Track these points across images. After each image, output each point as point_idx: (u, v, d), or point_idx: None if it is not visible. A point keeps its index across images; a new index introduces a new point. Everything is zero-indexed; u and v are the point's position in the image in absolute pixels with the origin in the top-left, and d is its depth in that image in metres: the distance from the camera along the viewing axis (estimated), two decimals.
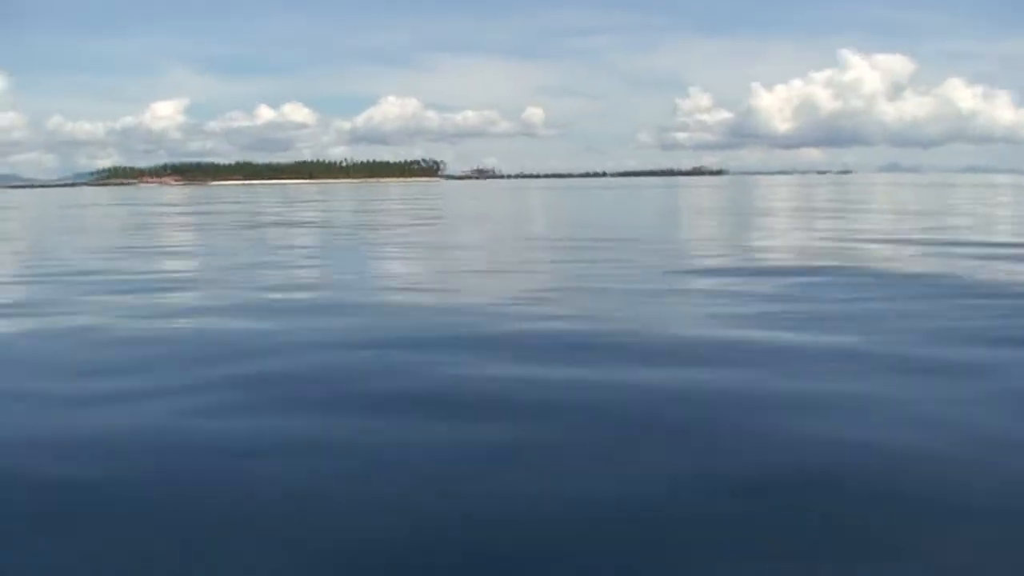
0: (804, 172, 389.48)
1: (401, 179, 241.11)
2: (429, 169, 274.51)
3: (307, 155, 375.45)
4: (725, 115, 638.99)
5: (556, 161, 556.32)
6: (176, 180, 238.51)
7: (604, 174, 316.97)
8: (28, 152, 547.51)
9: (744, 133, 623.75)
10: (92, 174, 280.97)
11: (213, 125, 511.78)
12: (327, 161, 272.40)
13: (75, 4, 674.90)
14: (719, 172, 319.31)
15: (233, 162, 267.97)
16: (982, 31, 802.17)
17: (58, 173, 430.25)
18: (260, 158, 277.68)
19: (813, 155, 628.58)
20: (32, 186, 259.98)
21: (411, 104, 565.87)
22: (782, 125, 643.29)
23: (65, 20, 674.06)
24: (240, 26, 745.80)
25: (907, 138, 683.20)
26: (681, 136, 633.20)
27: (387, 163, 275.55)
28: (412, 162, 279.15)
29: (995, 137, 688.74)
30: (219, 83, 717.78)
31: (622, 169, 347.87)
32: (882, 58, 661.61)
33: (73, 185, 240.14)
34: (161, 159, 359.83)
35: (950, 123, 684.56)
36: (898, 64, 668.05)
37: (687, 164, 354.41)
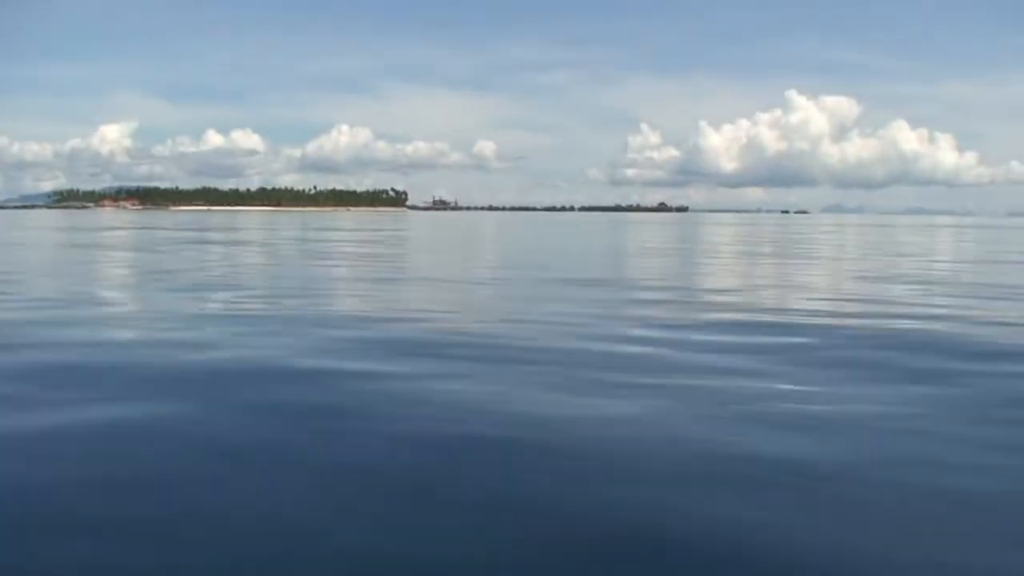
0: (763, 211, 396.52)
1: (370, 208, 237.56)
2: (397, 199, 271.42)
3: (256, 182, 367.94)
4: (673, 153, 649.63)
5: (506, 195, 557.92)
6: (134, 204, 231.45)
7: (571, 208, 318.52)
8: None
9: (691, 171, 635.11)
10: (49, 196, 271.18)
11: (161, 149, 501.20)
12: (295, 188, 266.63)
13: (23, 27, 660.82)
14: (683, 209, 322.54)
15: (196, 187, 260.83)
16: (926, 74, 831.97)
17: (2, 195, 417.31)
18: (208, 183, 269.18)
19: (757, 194, 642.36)
20: None
21: (363, 133, 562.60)
22: (728, 164, 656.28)
23: (12, 42, 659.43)
24: (190, 51, 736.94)
25: (851, 179, 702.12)
26: (630, 172, 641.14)
27: (355, 192, 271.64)
28: (380, 191, 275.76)
29: (937, 180, 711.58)
30: (168, 107, 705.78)
31: (571, 203, 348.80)
32: (829, 100, 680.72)
33: (26, 207, 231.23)
34: (107, 182, 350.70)
35: (894, 165, 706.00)
36: (844, 106, 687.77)
37: (636, 200, 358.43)
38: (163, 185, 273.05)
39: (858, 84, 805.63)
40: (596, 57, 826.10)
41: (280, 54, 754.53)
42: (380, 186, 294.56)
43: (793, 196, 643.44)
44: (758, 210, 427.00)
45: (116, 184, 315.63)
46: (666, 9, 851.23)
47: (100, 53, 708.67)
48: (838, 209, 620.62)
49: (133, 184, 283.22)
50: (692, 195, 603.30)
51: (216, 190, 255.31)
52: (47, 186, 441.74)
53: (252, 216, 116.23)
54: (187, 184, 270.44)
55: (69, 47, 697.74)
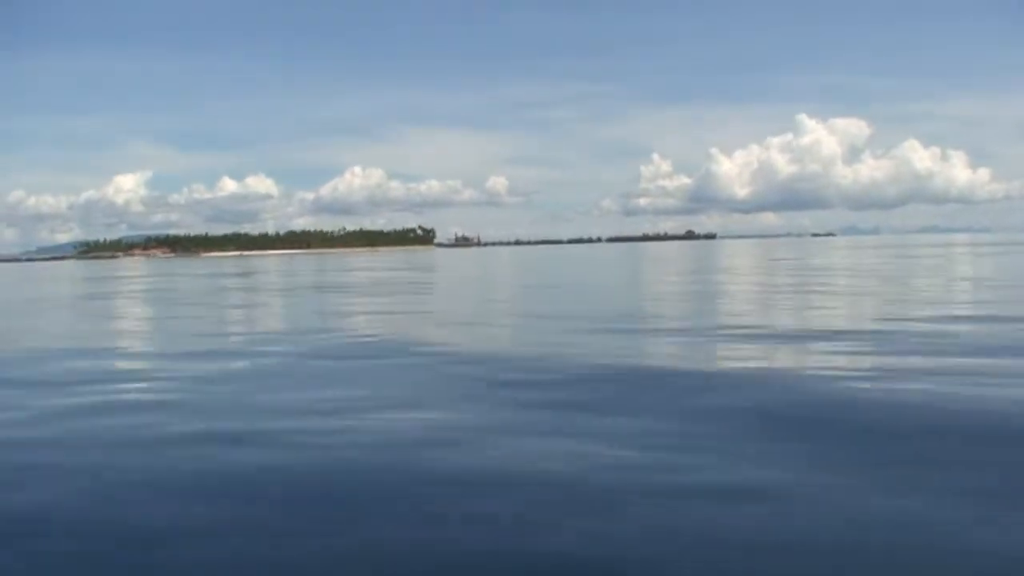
0: (792, 235, 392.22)
1: (399, 247, 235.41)
2: (424, 238, 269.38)
3: (271, 226, 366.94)
4: (685, 181, 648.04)
5: (521, 229, 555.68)
6: (165, 252, 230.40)
7: (598, 240, 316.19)
8: None
9: (704, 198, 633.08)
10: (74, 246, 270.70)
11: (176, 197, 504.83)
12: (325, 231, 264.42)
13: (32, 80, 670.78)
14: (711, 236, 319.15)
15: (219, 232, 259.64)
16: (935, 92, 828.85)
17: (20, 248, 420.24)
18: (225, 229, 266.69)
19: (771, 219, 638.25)
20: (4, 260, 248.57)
21: (375, 174, 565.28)
22: (741, 190, 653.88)
23: (24, 96, 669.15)
24: (199, 99, 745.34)
25: (865, 200, 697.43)
26: (643, 202, 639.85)
27: (382, 232, 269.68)
28: (407, 230, 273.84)
29: (951, 197, 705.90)
30: (181, 156, 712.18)
31: (587, 235, 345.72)
32: (839, 122, 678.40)
33: (52, 259, 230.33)
34: (123, 232, 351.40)
35: (908, 184, 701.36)
36: (855, 127, 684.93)
37: (649, 229, 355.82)
38: (179, 232, 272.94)
39: (868, 105, 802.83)
40: (602, 91, 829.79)
41: (289, 100, 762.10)
42: (394, 225, 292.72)
43: (807, 219, 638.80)
44: (787, 234, 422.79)
45: (133, 233, 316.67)
46: (669, 40, 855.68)
47: (110, 105, 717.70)
48: (853, 231, 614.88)
49: (149, 233, 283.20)
50: (706, 222, 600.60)
51: (246, 235, 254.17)
52: (63, 238, 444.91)
53: (297, 260, 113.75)
54: (203, 230, 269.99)
55: (78, 100, 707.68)
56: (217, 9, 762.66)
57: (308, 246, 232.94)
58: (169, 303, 26.58)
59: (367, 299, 25.89)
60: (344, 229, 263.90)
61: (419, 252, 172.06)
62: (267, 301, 26.56)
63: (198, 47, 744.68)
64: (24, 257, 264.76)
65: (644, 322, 15.82)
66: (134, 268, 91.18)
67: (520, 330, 15.27)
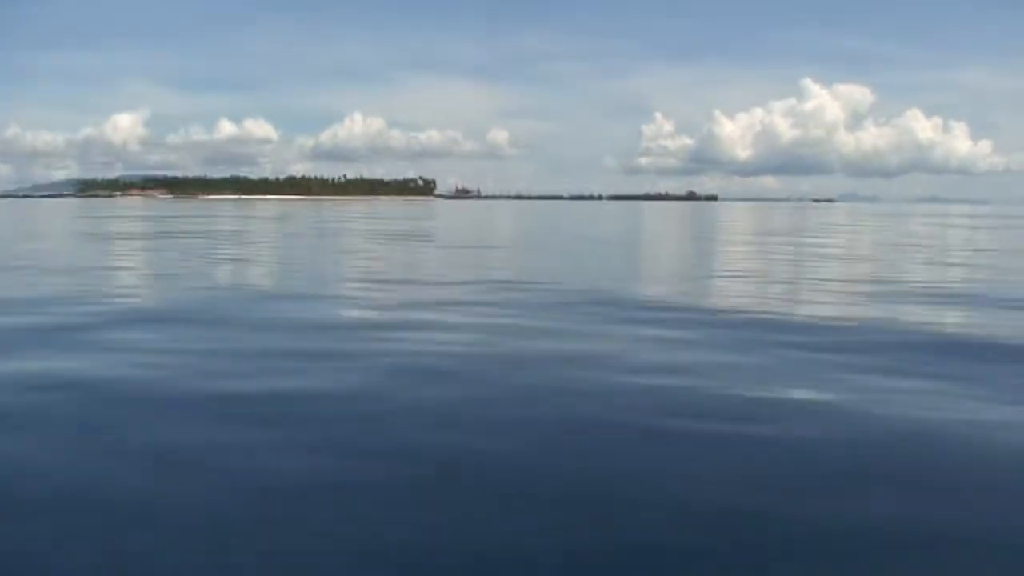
0: (793, 200, 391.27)
1: (400, 197, 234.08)
2: (425, 188, 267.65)
3: (269, 171, 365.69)
4: (687, 141, 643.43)
5: (521, 183, 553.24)
6: (163, 194, 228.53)
7: (599, 197, 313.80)
8: None
9: (705, 159, 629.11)
10: (72, 184, 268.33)
11: (173, 138, 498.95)
12: (325, 178, 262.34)
13: (34, 16, 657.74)
14: (712, 197, 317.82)
15: (226, 176, 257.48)
16: (940, 62, 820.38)
17: (14, 184, 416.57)
18: (221, 172, 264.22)
19: (770, 183, 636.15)
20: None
21: (376, 123, 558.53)
22: (742, 152, 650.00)
23: (23, 32, 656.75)
24: (202, 40, 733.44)
25: (866, 168, 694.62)
26: (644, 161, 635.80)
27: (384, 181, 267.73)
28: (408, 180, 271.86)
29: (951, 168, 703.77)
30: (180, 97, 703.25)
31: (587, 192, 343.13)
32: (843, 88, 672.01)
33: (49, 197, 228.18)
34: (120, 171, 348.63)
35: (909, 154, 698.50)
36: (858, 94, 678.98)
37: (649, 189, 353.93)
38: (176, 174, 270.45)
39: (872, 72, 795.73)
40: (608, 46, 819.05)
41: (291, 43, 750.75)
42: (393, 174, 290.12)
43: (807, 184, 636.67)
44: (787, 199, 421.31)
45: (129, 173, 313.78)
46: None
47: (110, 42, 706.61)
48: (853, 197, 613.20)
49: (145, 173, 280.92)
50: (706, 183, 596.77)
51: (246, 179, 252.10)
52: (59, 175, 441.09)
53: (305, 206, 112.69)
54: (199, 172, 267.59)
55: (79, 36, 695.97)
56: None
57: (308, 192, 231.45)
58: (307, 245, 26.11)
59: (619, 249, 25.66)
60: (345, 177, 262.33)
61: (421, 203, 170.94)
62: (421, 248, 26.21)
63: None
64: (20, 193, 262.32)
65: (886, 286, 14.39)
66: (151, 208, 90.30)
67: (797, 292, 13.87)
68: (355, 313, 10.61)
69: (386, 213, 70.90)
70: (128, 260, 19.39)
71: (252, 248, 23.65)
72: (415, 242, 27.64)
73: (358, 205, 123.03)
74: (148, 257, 20.14)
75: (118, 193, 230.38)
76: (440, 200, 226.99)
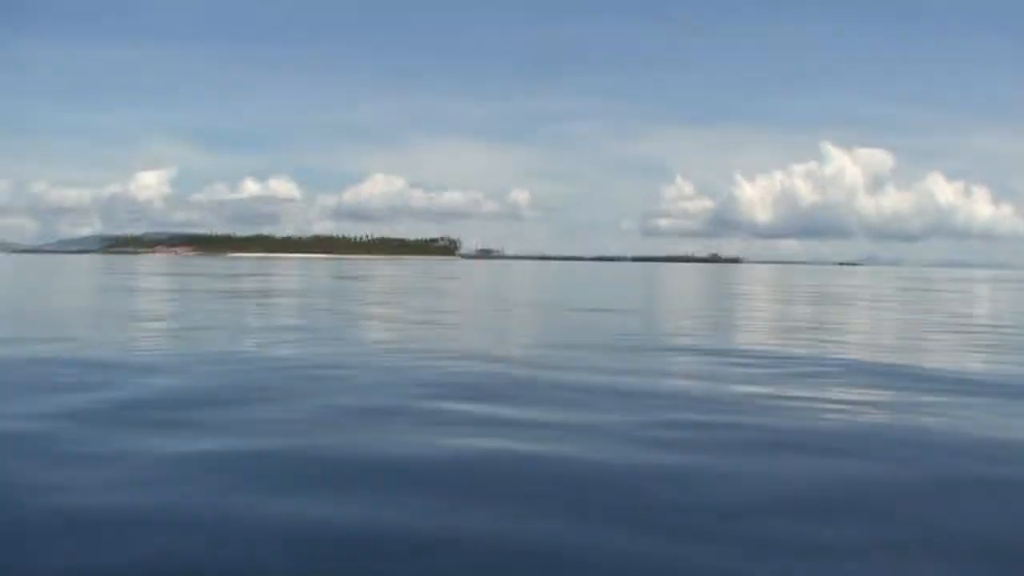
0: (818, 263, 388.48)
1: (423, 256, 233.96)
2: (449, 248, 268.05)
3: (292, 229, 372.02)
4: (707, 204, 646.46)
5: (540, 244, 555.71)
6: (188, 250, 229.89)
7: (622, 258, 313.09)
8: (8, 218, 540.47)
9: (725, 222, 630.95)
10: (99, 241, 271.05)
11: (198, 196, 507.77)
12: (350, 237, 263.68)
13: (61, 73, 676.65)
14: (735, 260, 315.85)
15: (254, 234, 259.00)
16: (960, 127, 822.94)
17: (40, 239, 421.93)
18: (245, 231, 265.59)
19: (791, 246, 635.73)
20: (24, 251, 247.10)
21: (397, 183, 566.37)
22: (762, 215, 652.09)
23: (50, 88, 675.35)
24: (227, 99, 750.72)
25: (886, 232, 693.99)
26: (663, 223, 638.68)
27: (407, 241, 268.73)
28: (432, 240, 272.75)
29: (973, 233, 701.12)
30: (204, 155, 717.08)
31: (606, 253, 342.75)
32: (863, 152, 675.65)
33: (75, 253, 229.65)
34: (144, 228, 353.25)
35: (930, 218, 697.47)
36: (879, 158, 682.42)
37: (670, 251, 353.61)
38: (200, 232, 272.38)
39: (893, 136, 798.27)
40: (629, 108, 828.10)
41: (315, 104, 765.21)
42: (414, 234, 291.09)
43: (827, 247, 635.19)
44: (810, 262, 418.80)
45: (153, 230, 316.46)
46: (699, 60, 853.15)
47: (136, 100, 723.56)
48: (874, 261, 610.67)
49: (169, 231, 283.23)
50: (725, 246, 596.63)
51: (272, 237, 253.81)
52: (84, 231, 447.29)
53: (335, 264, 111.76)
54: (223, 230, 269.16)
55: (106, 93, 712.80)
56: (248, 9, 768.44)
57: (333, 251, 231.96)
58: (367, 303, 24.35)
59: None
60: (370, 236, 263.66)
61: (446, 263, 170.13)
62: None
63: (227, 46, 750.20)
64: (47, 249, 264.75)
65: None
66: (189, 265, 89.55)
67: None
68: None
69: (434, 272, 69.44)
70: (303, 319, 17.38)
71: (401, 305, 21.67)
72: (534, 307, 25.17)
73: (389, 265, 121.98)
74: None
75: (144, 250, 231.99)
76: (464, 260, 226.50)
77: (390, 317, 19.36)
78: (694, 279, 62.71)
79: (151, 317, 18.00)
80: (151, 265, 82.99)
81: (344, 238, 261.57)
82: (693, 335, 15.47)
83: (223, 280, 41.13)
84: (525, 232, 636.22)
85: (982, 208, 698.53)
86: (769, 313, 23.49)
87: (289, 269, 73.28)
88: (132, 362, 9.73)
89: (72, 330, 13.83)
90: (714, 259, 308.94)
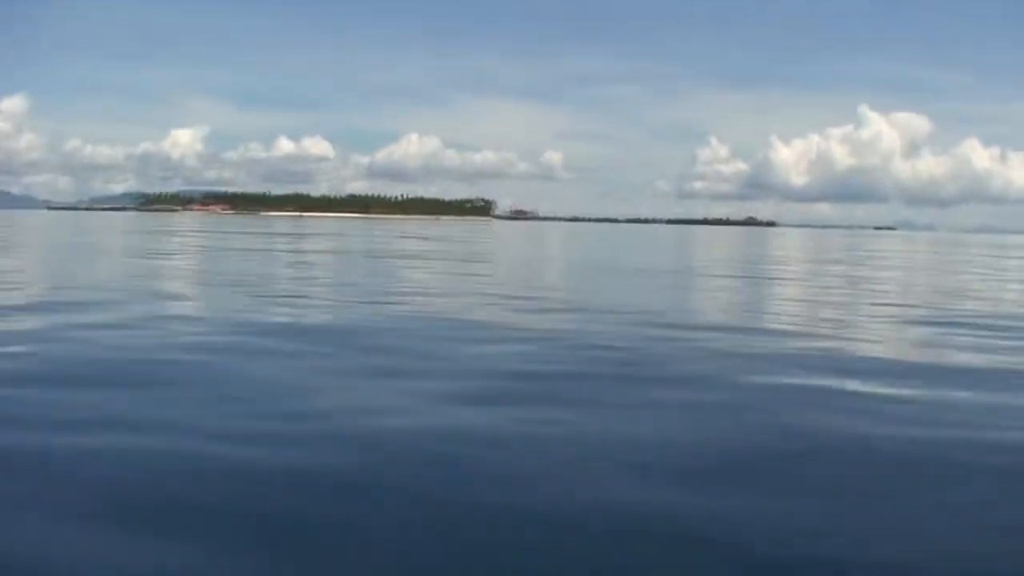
0: (855, 227, 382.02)
1: (459, 217, 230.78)
2: (483, 209, 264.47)
3: (325, 188, 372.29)
4: (742, 167, 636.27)
5: (572, 205, 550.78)
6: (225, 209, 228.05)
7: (656, 221, 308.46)
8: (43, 174, 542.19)
9: (759, 185, 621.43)
10: (134, 198, 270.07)
11: (231, 155, 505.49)
12: (383, 196, 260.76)
13: (96, 30, 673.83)
14: (771, 223, 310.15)
15: (289, 192, 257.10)
16: (999, 93, 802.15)
17: (74, 196, 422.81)
18: (278, 190, 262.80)
19: (825, 210, 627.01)
20: (59, 208, 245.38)
21: (431, 143, 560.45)
22: (797, 179, 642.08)
23: (86, 45, 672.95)
24: (261, 58, 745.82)
25: (922, 197, 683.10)
26: (698, 185, 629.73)
27: (442, 201, 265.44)
28: (466, 200, 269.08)
29: (1009, 198, 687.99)
30: (238, 113, 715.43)
31: (641, 215, 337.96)
32: (900, 116, 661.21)
33: (110, 210, 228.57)
34: (177, 186, 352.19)
35: (966, 183, 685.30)
36: (916, 123, 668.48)
37: (703, 213, 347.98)
38: (234, 190, 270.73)
39: (930, 101, 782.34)
40: (663, 70, 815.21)
41: (350, 63, 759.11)
42: (447, 194, 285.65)
43: (862, 212, 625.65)
44: (844, 226, 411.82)
45: (187, 188, 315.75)
46: (738, 23, 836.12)
47: (171, 58, 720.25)
48: (908, 226, 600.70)
49: (203, 188, 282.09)
50: (760, 209, 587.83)
51: (308, 196, 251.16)
52: (117, 188, 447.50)
53: (383, 224, 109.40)
54: (256, 189, 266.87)
55: (140, 50, 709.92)
56: None
57: (367, 210, 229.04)
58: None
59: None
60: (406, 195, 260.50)
61: (482, 223, 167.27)
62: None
63: (261, 4, 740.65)
64: (82, 206, 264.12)
65: None
66: (232, 223, 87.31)
67: None
68: None
69: (497, 235, 66.73)
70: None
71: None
72: (671, 275, 22.76)
73: (434, 225, 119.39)
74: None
75: (179, 208, 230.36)
76: (500, 221, 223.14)
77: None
78: (760, 244, 59.39)
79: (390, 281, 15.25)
80: (209, 223, 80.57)
81: (379, 197, 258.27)
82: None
83: (310, 240, 38.65)
84: (558, 193, 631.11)
85: (1018, 174, 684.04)
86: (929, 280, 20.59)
87: (351, 229, 70.81)
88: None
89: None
90: (750, 222, 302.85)
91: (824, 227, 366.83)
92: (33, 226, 59.53)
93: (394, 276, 19.98)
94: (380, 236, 52.97)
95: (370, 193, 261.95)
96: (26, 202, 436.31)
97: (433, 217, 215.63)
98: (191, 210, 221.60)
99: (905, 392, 6.43)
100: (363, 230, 70.81)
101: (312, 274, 19.26)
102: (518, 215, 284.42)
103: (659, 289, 18.39)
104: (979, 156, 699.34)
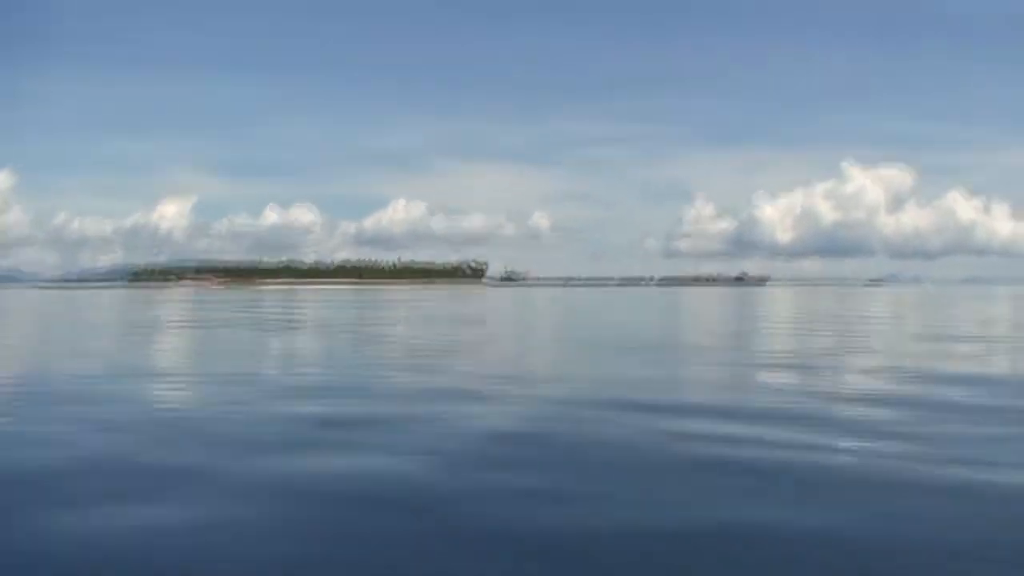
0: (840, 282, 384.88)
1: (450, 282, 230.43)
2: (475, 274, 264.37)
3: (313, 257, 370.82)
4: (728, 224, 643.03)
5: (560, 266, 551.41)
6: (219, 281, 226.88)
7: (649, 280, 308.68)
8: (29, 249, 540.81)
9: (746, 242, 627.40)
10: (121, 272, 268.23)
11: (219, 225, 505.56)
12: (378, 263, 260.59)
13: (80, 104, 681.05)
14: (763, 280, 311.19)
15: (281, 259, 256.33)
16: (980, 142, 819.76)
17: (61, 271, 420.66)
18: (267, 259, 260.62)
19: (812, 265, 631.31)
20: (49, 286, 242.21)
21: (418, 207, 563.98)
22: (783, 235, 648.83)
23: (70, 119, 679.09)
24: (246, 127, 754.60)
25: (907, 249, 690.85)
26: (683, 244, 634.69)
27: (435, 267, 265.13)
28: (459, 266, 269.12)
29: (993, 249, 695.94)
30: (225, 184, 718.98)
31: (628, 275, 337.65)
32: (884, 171, 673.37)
33: (99, 285, 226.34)
34: (165, 258, 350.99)
35: (950, 235, 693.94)
36: (899, 176, 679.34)
37: (691, 271, 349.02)
38: (223, 260, 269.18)
39: (913, 153, 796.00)
40: (647, 131, 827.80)
41: (337, 130, 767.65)
42: (436, 259, 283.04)
43: (849, 266, 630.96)
44: (833, 281, 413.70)
45: (175, 259, 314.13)
46: (718, 82, 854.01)
47: (156, 129, 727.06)
48: (895, 280, 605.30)
49: (191, 260, 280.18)
50: (748, 266, 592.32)
51: (299, 266, 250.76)
52: (105, 262, 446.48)
53: (376, 293, 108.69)
54: (245, 259, 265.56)
55: (125, 122, 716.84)
56: (265, 36, 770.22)
57: (360, 278, 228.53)
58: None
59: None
60: (398, 261, 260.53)
61: (475, 289, 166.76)
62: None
63: (245, 75, 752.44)
64: (73, 279, 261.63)
65: None
66: (246, 300, 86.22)
67: None
68: None
69: (491, 302, 66.03)
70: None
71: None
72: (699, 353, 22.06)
73: (429, 291, 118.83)
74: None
75: (172, 280, 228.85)
76: (491, 286, 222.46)
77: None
78: (756, 305, 58.94)
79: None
80: (215, 299, 79.47)
81: (372, 264, 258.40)
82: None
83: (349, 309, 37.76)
84: (547, 254, 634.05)
85: (1003, 225, 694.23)
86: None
87: (371, 298, 70.00)
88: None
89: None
90: (741, 279, 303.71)
91: (815, 284, 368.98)
92: (41, 308, 58.33)
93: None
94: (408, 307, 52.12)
95: (357, 259, 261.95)
96: (13, 278, 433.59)
97: (425, 283, 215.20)
98: (184, 284, 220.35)
99: None
100: (406, 296, 70.02)
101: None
102: (509, 279, 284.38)
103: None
104: (963, 207, 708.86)
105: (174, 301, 59.43)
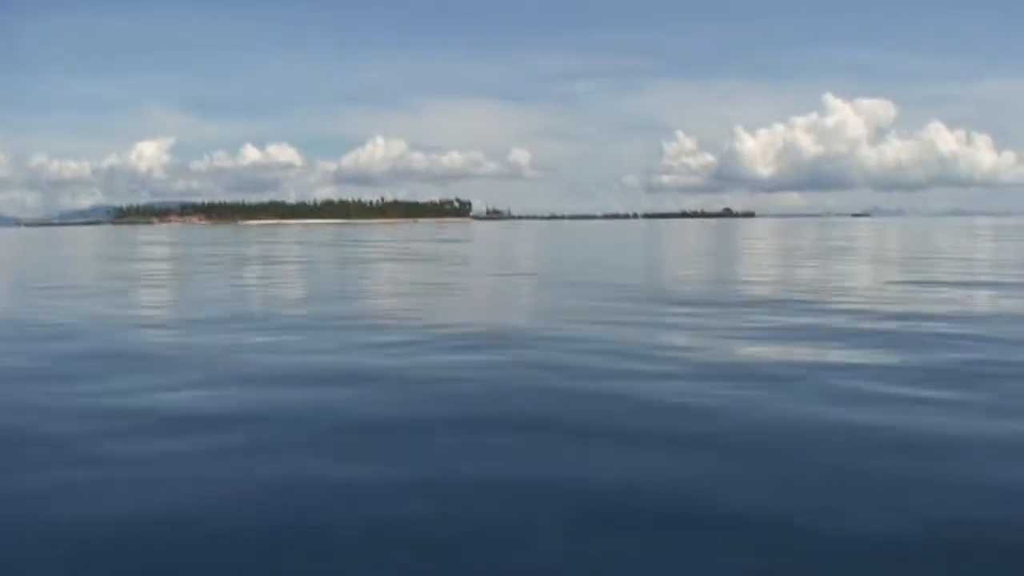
0: (834, 215, 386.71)
1: (437, 219, 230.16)
2: (461, 210, 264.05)
3: (293, 196, 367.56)
4: (709, 159, 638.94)
5: (543, 203, 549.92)
6: (202, 219, 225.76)
7: (635, 216, 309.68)
8: (9, 191, 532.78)
9: (727, 177, 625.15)
10: (115, 211, 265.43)
11: (197, 165, 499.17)
12: (363, 201, 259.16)
13: (58, 44, 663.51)
14: (749, 214, 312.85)
15: (265, 200, 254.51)
16: (962, 74, 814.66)
17: (42, 212, 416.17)
18: (246, 199, 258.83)
19: (794, 199, 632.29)
20: (32, 224, 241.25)
21: (397, 145, 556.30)
22: (764, 169, 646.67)
23: (46, 60, 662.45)
24: (225, 66, 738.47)
25: (889, 182, 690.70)
26: (665, 179, 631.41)
27: (420, 204, 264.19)
28: (445, 202, 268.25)
29: (975, 181, 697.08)
30: (203, 123, 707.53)
31: (608, 210, 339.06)
32: (865, 102, 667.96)
33: (84, 224, 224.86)
34: (144, 198, 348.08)
35: (932, 167, 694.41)
36: (880, 108, 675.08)
37: (673, 207, 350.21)
38: (201, 200, 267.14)
39: (894, 85, 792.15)
40: (628, 65, 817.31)
41: (313, 68, 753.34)
42: (416, 197, 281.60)
43: (831, 200, 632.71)
44: (816, 215, 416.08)
45: (155, 200, 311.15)
46: (698, 15, 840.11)
47: (131, 68, 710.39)
48: (877, 212, 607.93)
49: (171, 200, 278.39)
50: (729, 200, 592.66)
51: (284, 204, 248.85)
52: (86, 203, 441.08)
53: (367, 230, 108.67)
54: (224, 198, 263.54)
55: (100, 63, 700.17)
56: None
57: (346, 216, 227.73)
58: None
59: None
60: (383, 199, 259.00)
61: (461, 224, 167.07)
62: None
63: (220, 11, 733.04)
64: (55, 221, 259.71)
65: None
66: (236, 235, 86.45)
67: None
68: None
69: (505, 235, 66.73)
70: None
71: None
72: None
73: (424, 228, 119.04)
74: None
75: (155, 219, 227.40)
76: (476, 222, 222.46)
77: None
78: (784, 239, 60.12)
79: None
80: (203, 235, 79.63)
81: (357, 202, 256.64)
82: None
83: (349, 247, 38.41)
84: (528, 191, 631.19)
85: (984, 156, 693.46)
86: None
87: (366, 235, 70.49)
88: None
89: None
90: (727, 214, 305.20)
91: (799, 216, 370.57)
92: (38, 245, 58.48)
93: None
94: (416, 240, 52.81)
95: (338, 198, 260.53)
96: None
97: (411, 220, 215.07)
98: (168, 222, 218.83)
99: None
100: (397, 234, 70.54)
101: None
102: (493, 215, 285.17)
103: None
104: (944, 139, 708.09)
105: (206, 243, 59.59)
